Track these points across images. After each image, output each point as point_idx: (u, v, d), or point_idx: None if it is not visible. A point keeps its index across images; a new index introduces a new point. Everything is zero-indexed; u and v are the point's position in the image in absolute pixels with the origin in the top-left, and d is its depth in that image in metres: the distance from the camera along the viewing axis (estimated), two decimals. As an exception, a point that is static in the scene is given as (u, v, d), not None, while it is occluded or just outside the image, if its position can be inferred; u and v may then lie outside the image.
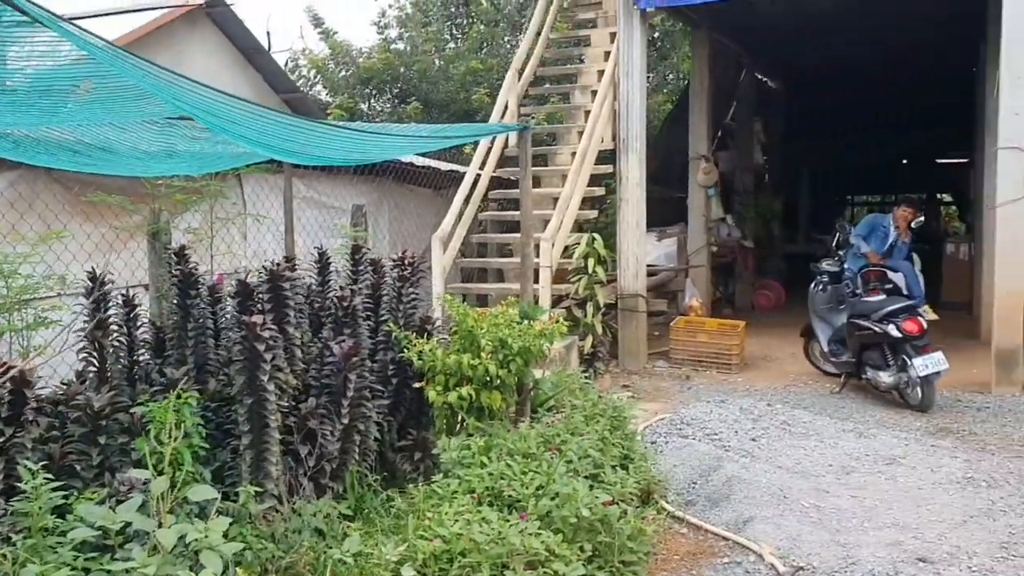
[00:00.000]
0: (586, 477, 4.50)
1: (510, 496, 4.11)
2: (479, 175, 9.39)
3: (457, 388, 4.87)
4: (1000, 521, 4.77)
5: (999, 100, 8.02)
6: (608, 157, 9.84)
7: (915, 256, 9.53)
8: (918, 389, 7.23)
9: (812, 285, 8.60)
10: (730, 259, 13.64)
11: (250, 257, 7.28)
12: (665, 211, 13.22)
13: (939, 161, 18.99)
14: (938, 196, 21.32)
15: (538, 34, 10.93)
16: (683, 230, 12.29)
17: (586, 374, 7.69)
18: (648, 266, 10.73)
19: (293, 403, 3.78)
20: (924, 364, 7.11)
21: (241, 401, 3.54)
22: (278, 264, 4.09)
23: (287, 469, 3.71)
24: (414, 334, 4.54)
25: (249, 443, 3.54)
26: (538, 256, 8.11)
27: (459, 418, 5.07)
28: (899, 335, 7.28)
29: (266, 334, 3.53)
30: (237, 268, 6.53)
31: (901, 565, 4.16)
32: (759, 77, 15.52)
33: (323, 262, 4.80)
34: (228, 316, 4.06)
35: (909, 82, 15.28)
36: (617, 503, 4.40)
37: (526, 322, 5.45)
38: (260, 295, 3.91)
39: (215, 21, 11.56)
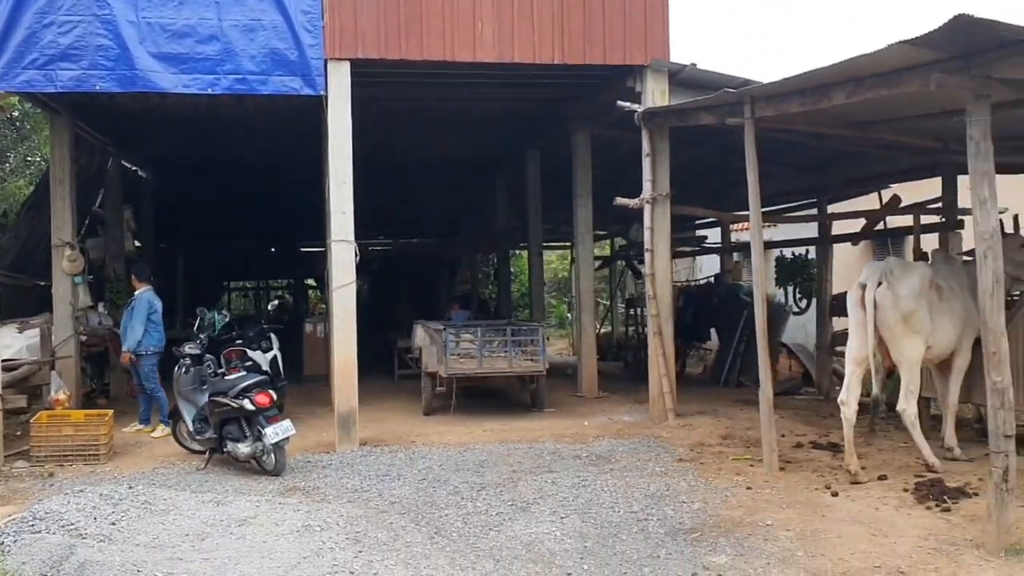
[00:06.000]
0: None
1: None
2: None
3: None
4: (327, 558, 5.70)
5: (330, 200, 9.54)
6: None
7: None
8: (272, 455, 8.08)
9: (176, 368, 9.03)
10: (102, 348, 13.31)
11: None
12: (28, 301, 12.43)
13: (303, 249, 21.21)
14: (305, 281, 23.74)
15: None
16: (48, 320, 11.69)
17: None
18: (8, 360, 10.00)
19: None
20: (275, 432, 7.99)
21: None
22: None
23: None
24: None
25: None
26: None
27: None
28: (253, 408, 8.06)
29: None
30: None
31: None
32: (128, 166, 15.64)
33: None
34: None
35: (276, 179, 16.94)
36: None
37: None
38: None
39: None
